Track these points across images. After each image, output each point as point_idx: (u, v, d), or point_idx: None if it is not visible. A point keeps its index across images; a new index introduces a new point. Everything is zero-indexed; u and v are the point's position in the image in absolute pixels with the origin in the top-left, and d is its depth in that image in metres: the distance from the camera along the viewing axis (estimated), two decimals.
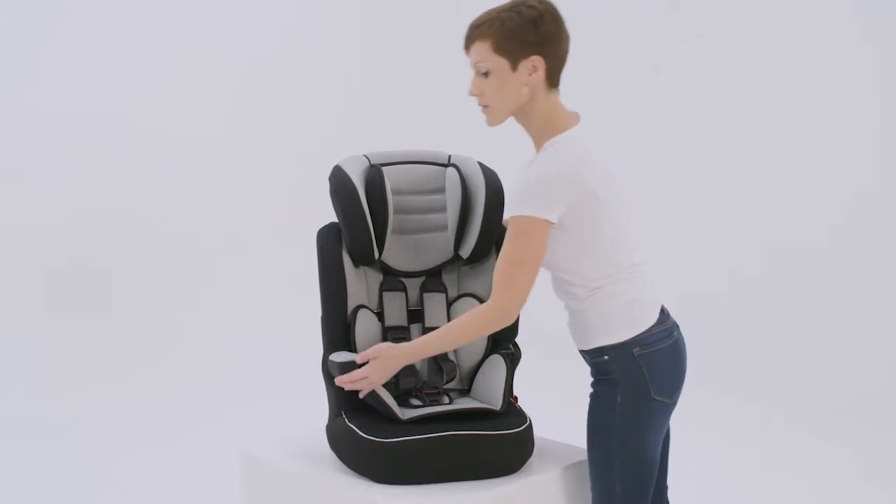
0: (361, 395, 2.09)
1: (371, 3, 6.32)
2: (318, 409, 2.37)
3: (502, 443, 2.08)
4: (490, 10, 1.99)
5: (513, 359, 2.33)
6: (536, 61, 1.96)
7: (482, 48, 1.97)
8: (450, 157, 2.47)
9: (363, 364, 2.04)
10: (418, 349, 2.04)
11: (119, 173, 5.40)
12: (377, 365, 2.03)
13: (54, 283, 5.13)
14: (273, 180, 5.83)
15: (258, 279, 5.67)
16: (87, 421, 4.36)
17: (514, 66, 1.96)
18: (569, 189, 1.91)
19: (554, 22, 1.96)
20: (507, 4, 1.98)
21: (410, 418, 2.11)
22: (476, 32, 1.98)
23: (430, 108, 6.06)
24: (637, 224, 2.16)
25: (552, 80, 1.99)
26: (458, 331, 2.00)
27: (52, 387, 4.68)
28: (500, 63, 1.96)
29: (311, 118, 5.98)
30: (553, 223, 1.92)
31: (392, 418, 2.10)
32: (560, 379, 3.54)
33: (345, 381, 2.05)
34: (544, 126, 2.01)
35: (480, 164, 2.41)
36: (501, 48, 1.95)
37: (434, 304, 2.41)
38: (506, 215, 1.94)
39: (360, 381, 2.04)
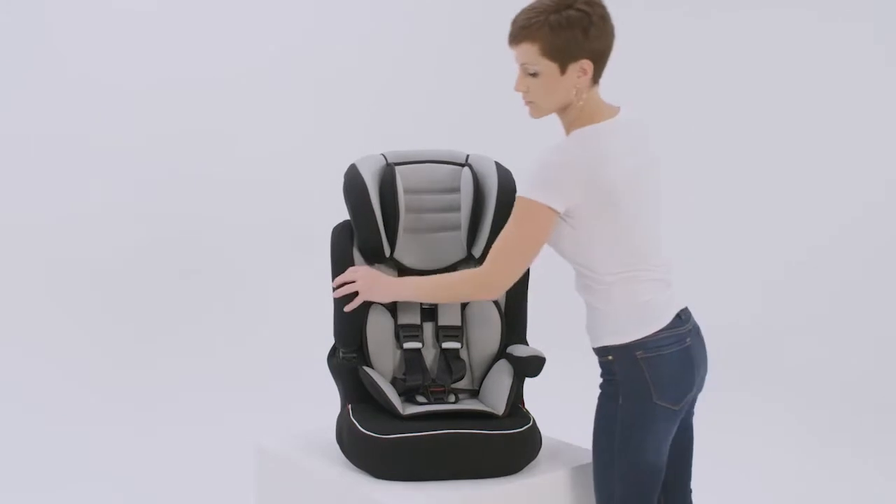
0: (347, 308, 2.22)
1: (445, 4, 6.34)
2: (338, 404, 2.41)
3: (500, 443, 2.08)
4: (536, 7, 1.93)
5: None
6: (586, 65, 1.93)
7: (530, 50, 1.93)
8: (467, 156, 2.47)
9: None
10: (406, 287, 2.16)
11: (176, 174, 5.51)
12: (365, 273, 2.21)
13: (78, 277, 5.21)
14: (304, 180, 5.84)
15: (281, 274, 5.68)
16: (103, 413, 4.43)
17: (564, 70, 1.93)
18: (579, 182, 1.90)
19: (603, 24, 1.93)
20: (553, 3, 1.92)
21: (410, 414, 2.13)
22: (524, 34, 1.93)
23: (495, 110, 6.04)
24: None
25: (596, 78, 1.99)
26: (443, 285, 2.11)
27: (61, 383, 4.72)
28: (549, 66, 1.93)
29: (389, 121, 5.97)
30: (558, 212, 1.92)
31: (393, 414, 2.12)
32: (573, 379, 3.50)
33: (336, 283, 2.22)
34: (578, 117, 1.99)
35: (497, 164, 2.41)
36: (551, 53, 1.92)
37: (448, 303, 2.41)
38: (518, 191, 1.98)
39: (347, 286, 2.20)
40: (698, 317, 2.12)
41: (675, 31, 5.80)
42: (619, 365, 1.99)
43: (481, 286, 2.00)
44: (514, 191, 2.33)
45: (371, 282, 2.18)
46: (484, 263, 1.99)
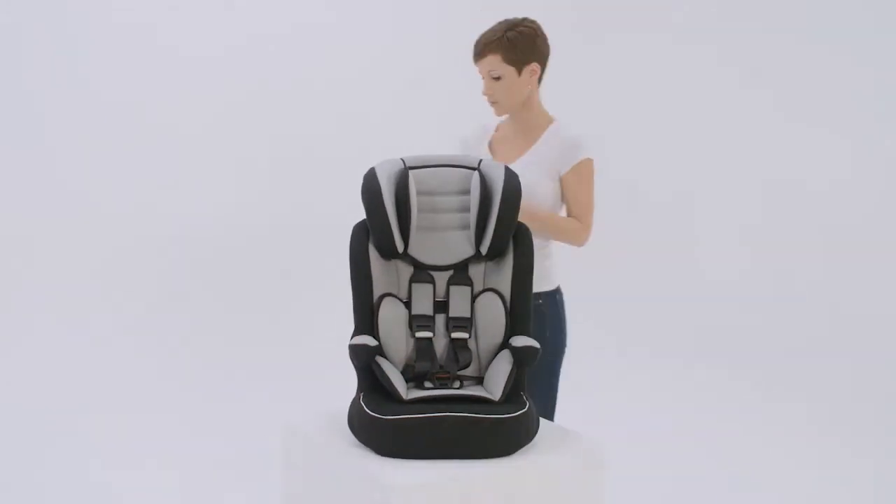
0: None
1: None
2: None
3: (491, 426, 2.24)
4: (495, 30, 2.75)
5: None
6: (535, 67, 2.77)
7: (494, 60, 2.74)
8: (480, 161, 2.66)
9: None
10: (537, 215, 2.76)
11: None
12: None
13: (94, 274, 5.39)
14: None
15: (316, 263, 5.81)
16: (137, 390, 4.60)
17: (520, 72, 2.75)
18: None
19: (544, 37, 2.78)
20: (505, 25, 2.74)
21: (413, 398, 2.31)
22: (488, 48, 2.74)
23: None
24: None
25: (541, 79, 2.80)
26: (561, 226, 2.79)
27: (93, 367, 4.89)
28: (509, 70, 2.74)
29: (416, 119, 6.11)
30: None
31: (397, 398, 2.31)
32: (582, 375, 3.55)
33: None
34: (540, 113, 2.86)
35: (506, 168, 2.58)
36: (509, 59, 2.73)
37: (459, 297, 2.58)
38: (572, 161, 2.76)
39: None
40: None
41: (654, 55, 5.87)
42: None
43: (583, 239, 2.80)
44: (518, 191, 2.52)
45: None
46: (584, 222, 2.77)
